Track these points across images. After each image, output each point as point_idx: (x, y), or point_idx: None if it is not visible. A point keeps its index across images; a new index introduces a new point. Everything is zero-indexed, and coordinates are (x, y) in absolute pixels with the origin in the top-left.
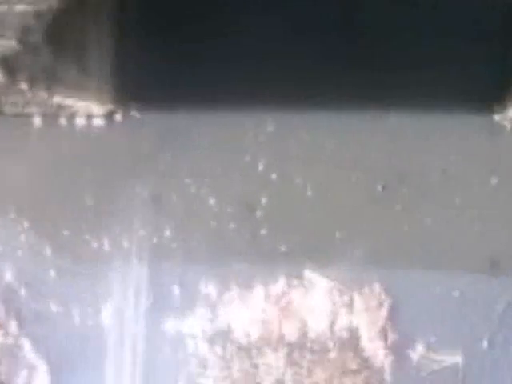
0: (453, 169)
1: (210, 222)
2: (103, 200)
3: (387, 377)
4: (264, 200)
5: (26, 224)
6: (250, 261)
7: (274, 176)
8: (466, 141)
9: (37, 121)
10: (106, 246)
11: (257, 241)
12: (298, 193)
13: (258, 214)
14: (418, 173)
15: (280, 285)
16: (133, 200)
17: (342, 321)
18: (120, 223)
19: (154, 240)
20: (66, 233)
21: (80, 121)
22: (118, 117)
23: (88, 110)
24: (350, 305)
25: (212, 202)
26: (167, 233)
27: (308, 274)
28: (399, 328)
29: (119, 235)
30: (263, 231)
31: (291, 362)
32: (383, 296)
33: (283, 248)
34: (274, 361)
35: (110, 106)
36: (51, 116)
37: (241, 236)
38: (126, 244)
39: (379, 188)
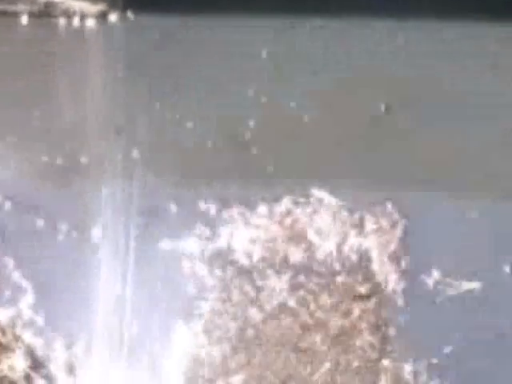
0: (470, 85)
1: (184, 142)
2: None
3: (400, 303)
4: (252, 123)
5: None
6: (244, 179)
7: (264, 99)
8: (488, 53)
9: (24, 20)
10: (59, 161)
11: (247, 160)
12: (294, 116)
13: (246, 135)
14: (428, 89)
15: (284, 203)
16: (105, 117)
17: (352, 242)
18: (77, 137)
19: (120, 157)
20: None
21: (69, 21)
22: (112, 18)
23: (79, 8)
24: (360, 225)
25: (190, 124)
26: (135, 152)
27: (315, 192)
28: (413, 251)
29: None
30: (253, 151)
31: (296, 285)
32: (396, 216)
33: (278, 168)
34: (277, 284)
35: (102, 6)
36: (39, 15)
37: (228, 155)
38: (83, 160)
39: (382, 108)
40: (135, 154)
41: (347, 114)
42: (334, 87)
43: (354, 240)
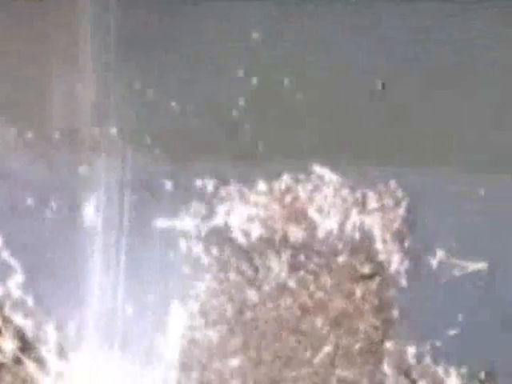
0: (471, 60)
1: (168, 119)
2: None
3: (403, 283)
4: (242, 102)
5: None
6: (238, 156)
7: (254, 80)
8: (488, 28)
9: None
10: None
11: (240, 137)
12: (288, 94)
13: (235, 113)
14: (426, 65)
15: (284, 180)
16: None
17: (354, 221)
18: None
19: (109, 134)
20: None
21: None
22: None
23: None
24: (362, 203)
25: (173, 103)
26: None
27: (316, 168)
28: (417, 229)
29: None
30: (245, 128)
31: (295, 265)
32: (400, 194)
33: (273, 145)
34: (276, 264)
35: None
36: None
37: (218, 132)
38: (73, 137)
39: (379, 84)
40: (120, 130)
41: (343, 91)
42: (329, 65)
43: (355, 218)
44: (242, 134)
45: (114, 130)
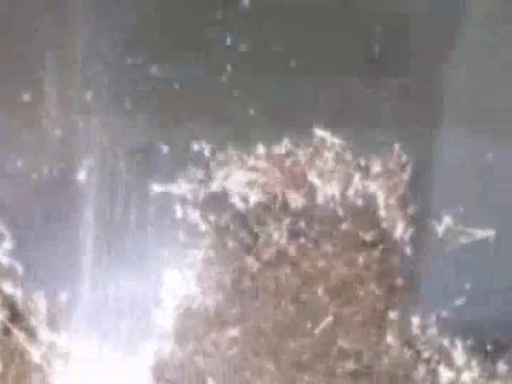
0: (474, 20)
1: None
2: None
3: (408, 251)
4: (229, 68)
5: None
6: (232, 120)
7: (243, 47)
8: None
9: None
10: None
11: (229, 102)
12: (279, 60)
13: (223, 79)
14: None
15: (284, 144)
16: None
17: (356, 186)
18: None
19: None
20: None
21: None
22: None
23: None
24: (365, 167)
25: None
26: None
27: (317, 131)
28: (422, 195)
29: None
30: (235, 92)
31: (296, 232)
32: (404, 158)
33: (267, 110)
34: (275, 231)
35: None
36: None
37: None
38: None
39: (376, 48)
40: (99, 94)
41: (339, 55)
42: (323, 30)
43: (358, 183)
44: (231, 99)
45: (91, 94)
